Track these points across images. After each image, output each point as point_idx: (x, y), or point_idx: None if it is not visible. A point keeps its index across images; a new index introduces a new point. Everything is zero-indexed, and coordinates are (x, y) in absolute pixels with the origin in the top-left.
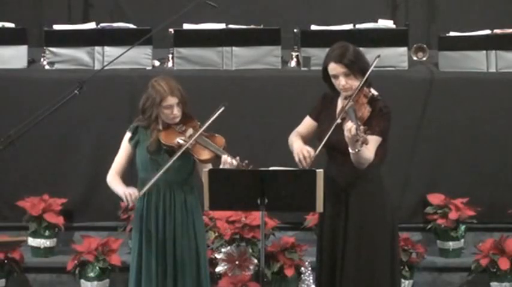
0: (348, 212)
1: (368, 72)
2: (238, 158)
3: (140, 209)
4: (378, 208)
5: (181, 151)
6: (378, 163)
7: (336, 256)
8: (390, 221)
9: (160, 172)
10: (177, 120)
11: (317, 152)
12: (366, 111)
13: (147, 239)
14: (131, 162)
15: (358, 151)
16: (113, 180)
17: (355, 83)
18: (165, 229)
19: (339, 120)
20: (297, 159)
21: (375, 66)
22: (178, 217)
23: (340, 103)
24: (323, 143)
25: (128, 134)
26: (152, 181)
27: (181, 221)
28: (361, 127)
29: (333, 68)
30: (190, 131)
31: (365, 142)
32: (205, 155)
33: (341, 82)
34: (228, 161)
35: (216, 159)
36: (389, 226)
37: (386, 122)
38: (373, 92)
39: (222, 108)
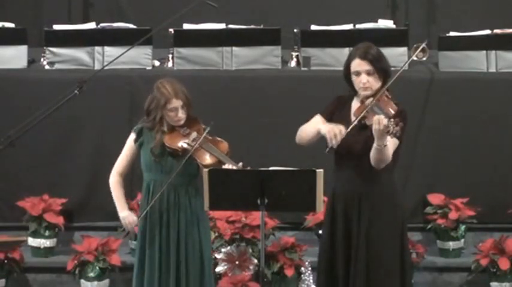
0: (360, 216)
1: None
2: (241, 164)
3: (145, 211)
4: (389, 213)
5: (185, 159)
6: (392, 166)
7: (350, 258)
8: (400, 224)
9: (162, 190)
10: (182, 122)
11: (347, 131)
12: (393, 107)
13: (151, 240)
14: (134, 163)
15: (385, 145)
16: (116, 189)
17: (375, 84)
18: (169, 230)
19: (355, 121)
20: (328, 136)
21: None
22: (183, 218)
23: (354, 106)
24: (354, 123)
25: (133, 135)
26: (151, 203)
27: (185, 222)
28: (392, 120)
29: (358, 64)
30: (194, 134)
31: (396, 133)
32: (208, 160)
33: (362, 79)
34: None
35: (219, 164)
36: (399, 229)
37: (403, 126)
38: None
39: (208, 129)
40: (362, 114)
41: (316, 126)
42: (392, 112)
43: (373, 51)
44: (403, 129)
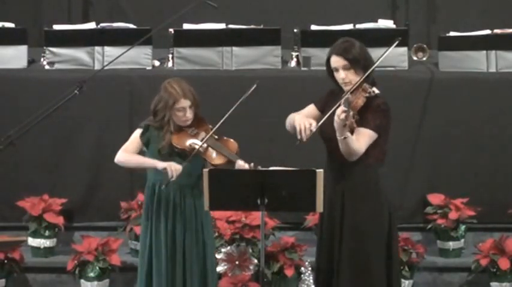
0: (343, 212)
1: (379, 62)
2: (252, 164)
3: (149, 211)
4: (373, 209)
5: (191, 156)
6: (374, 163)
7: (334, 257)
8: (386, 223)
9: (191, 155)
10: (189, 122)
11: (318, 126)
12: (359, 101)
13: (158, 241)
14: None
15: (345, 137)
16: (134, 156)
17: (354, 78)
18: (175, 231)
19: (327, 115)
20: (297, 129)
21: (376, 67)
22: (188, 220)
23: None
24: (324, 118)
25: (139, 130)
26: (186, 161)
27: (190, 224)
28: (351, 113)
29: (335, 60)
30: (202, 134)
31: (351, 127)
32: (218, 160)
33: (340, 75)
34: (241, 166)
35: (229, 164)
36: (385, 228)
37: (383, 119)
38: (375, 90)
39: (254, 86)
40: (333, 109)
41: (292, 117)
42: (357, 107)
43: (354, 50)
44: (384, 124)
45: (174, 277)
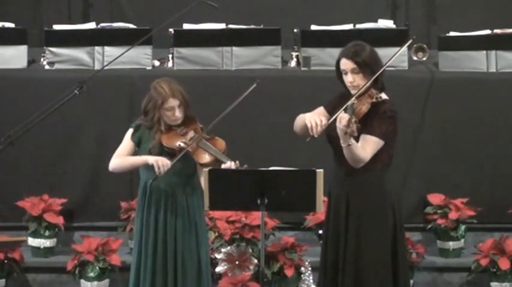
0: (348, 216)
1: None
2: (238, 162)
3: (142, 210)
4: (378, 213)
5: (178, 157)
6: (380, 168)
7: (339, 259)
8: (391, 226)
9: (179, 156)
10: (179, 122)
11: (328, 122)
12: (363, 107)
13: (147, 239)
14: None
15: (348, 145)
16: (125, 158)
17: (361, 82)
18: (166, 229)
19: (332, 118)
20: (308, 125)
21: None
22: (180, 217)
23: None
24: (331, 120)
25: (131, 131)
26: (175, 160)
27: (182, 222)
28: (352, 119)
29: (344, 63)
30: (191, 133)
31: (352, 135)
32: (205, 159)
33: (349, 78)
34: (227, 166)
35: (216, 163)
36: (391, 231)
37: (389, 126)
38: (383, 96)
39: (254, 85)
40: (339, 113)
41: (302, 116)
42: (361, 114)
43: (364, 54)
44: (391, 131)
45: (165, 276)
